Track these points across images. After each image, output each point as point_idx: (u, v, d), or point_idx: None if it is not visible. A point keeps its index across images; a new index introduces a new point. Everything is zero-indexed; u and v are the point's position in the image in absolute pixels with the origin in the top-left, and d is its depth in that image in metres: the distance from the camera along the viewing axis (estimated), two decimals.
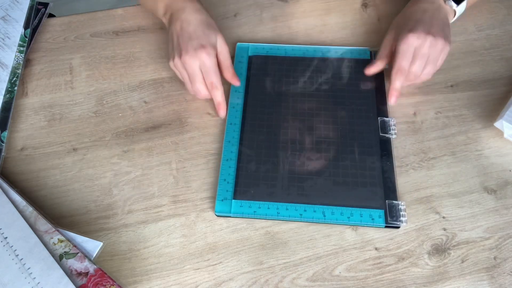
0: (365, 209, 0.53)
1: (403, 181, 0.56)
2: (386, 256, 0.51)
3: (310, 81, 0.62)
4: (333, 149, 0.57)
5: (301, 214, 0.53)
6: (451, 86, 0.62)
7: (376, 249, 0.52)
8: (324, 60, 0.64)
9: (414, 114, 0.60)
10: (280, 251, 0.52)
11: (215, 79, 0.57)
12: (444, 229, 0.53)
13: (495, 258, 0.51)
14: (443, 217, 0.53)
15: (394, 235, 0.53)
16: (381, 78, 0.62)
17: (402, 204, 0.53)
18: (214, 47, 0.57)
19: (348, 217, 0.52)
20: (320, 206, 0.53)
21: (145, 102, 0.62)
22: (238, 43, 0.65)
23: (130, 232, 0.54)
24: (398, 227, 0.52)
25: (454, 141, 0.58)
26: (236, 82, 0.60)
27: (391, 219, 0.52)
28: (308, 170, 0.55)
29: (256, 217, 0.53)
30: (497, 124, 0.57)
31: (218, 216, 0.54)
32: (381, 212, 0.52)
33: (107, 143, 0.59)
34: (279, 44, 0.65)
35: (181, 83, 0.63)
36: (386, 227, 0.52)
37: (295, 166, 0.56)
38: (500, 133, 0.58)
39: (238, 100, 0.61)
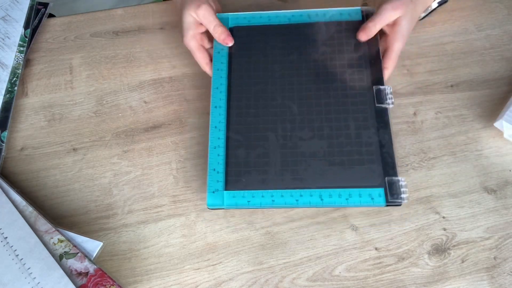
0: (364, 189, 0.50)
1: None
2: (386, 256, 0.51)
3: (297, 51, 0.57)
4: (327, 126, 0.53)
5: (297, 200, 0.50)
6: (451, 86, 0.62)
7: (376, 249, 0.52)
8: (311, 25, 0.59)
9: (414, 114, 0.60)
10: (280, 251, 0.52)
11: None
12: (444, 229, 0.53)
13: (495, 258, 0.51)
14: (443, 217, 0.53)
15: (394, 235, 0.53)
16: (375, 42, 0.57)
17: (402, 180, 0.50)
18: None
19: (347, 199, 0.49)
20: (317, 190, 0.50)
21: (145, 102, 0.62)
22: (217, 14, 0.60)
23: (130, 232, 0.54)
24: (399, 205, 0.50)
25: (454, 141, 0.58)
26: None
27: (392, 197, 0.49)
28: (301, 152, 0.52)
29: (250, 207, 0.51)
30: (497, 124, 0.57)
31: (210, 209, 0.52)
32: (380, 190, 0.50)
33: (107, 143, 0.59)
34: (262, 12, 0.61)
35: (182, 82, 0.63)
36: (387, 205, 0.50)
37: (287, 148, 0.52)
38: (500, 133, 0.58)
39: (221, 79, 0.57)
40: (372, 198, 0.50)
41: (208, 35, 0.60)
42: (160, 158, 0.58)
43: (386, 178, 0.50)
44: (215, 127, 0.54)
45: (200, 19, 0.58)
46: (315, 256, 0.52)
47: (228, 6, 0.70)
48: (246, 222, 0.54)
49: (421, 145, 0.58)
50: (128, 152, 0.59)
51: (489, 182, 0.55)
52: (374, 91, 0.54)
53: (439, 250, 0.52)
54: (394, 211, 0.54)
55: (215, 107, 0.55)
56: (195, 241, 0.53)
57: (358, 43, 0.57)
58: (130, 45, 0.67)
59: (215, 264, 0.52)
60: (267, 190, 0.51)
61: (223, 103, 0.55)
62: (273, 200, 0.50)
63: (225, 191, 0.51)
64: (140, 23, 0.69)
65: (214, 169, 0.52)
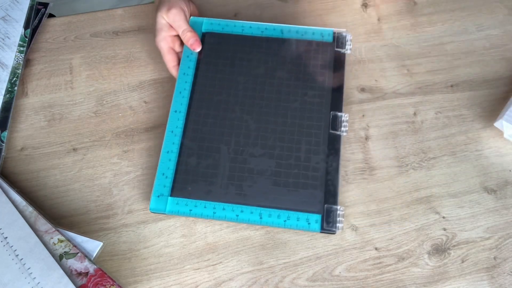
0: (303, 213, 0.51)
1: (403, 181, 0.56)
2: (386, 256, 0.52)
3: (264, 66, 0.58)
4: (279, 146, 0.53)
5: (237, 215, 0.51)
6: (451, 86, 0.62)
7: (376, 249, 0.52)
8: (282, 41, 0.59)
9: (414, 114, 0.60)
10: (280, 251, 0.52)
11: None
12: (444, 229, 0.53)
13: (495, 258, 0.51)
14: (443, 217, 0.53)
15: (394, 235, 0.53)
16: (341, 66, 0.58)
17: (340, 210, 0.51)
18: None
19: (285, 221, 0.50)
20: (258, 207, 0.51)
21: (145, 102, 0.62)
22: (192, 17, 0.61)
23: (130, 232, 0.54)
24: (333, 233, 0.51)
25: (454, 141, 0.58)
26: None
27: (327, 225, 0.50)
28: (249, 168, 0.53)
29: (191, 216, 0.52)
30: (497, 124, 0.57)
31: (152, 212, 0.53)
32: (318, 217, 0.50)
33: (107, 143, 0.59)
34: (236, 21, 0.61)
35: None
36: (321, 232, 0.50)
37: (236, 163, 0.53)
38: (500, 133, 0.58)
39: (186, 84, 0.57)
40: (309, 223, 0.50)
41: (180, 38, 0.60)
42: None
43: (325, 205, 0.51)
44: (172, 131, 0.55)
45: (171, 22, 0.59)
46: (315, 256, 0.52)
47: (229, 6, 0.70)
48: None
49: (421, 145, 0.58)
50: (128, 152, 0.59)
51: (489, 182, 0.55)
52: (331, 116, 0.55)
53: (439, 250, 0.52)
54: (394, 210, 0.54)
55: (175, 111, 0.56)
56: (195, 241, 0.53)
57: (325, 66, 0.58)
58: (130, 45, 0.67)
59: (215, 264, 0.52)
60: (210, 202, 0.52)
61: (183, 108, 0.56)
62: (214, 212, 0.51)
63: (169, 197, 0.52)
64: (140, 23, 0.69)
65: (163, 174, 0.53)
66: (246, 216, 0.51)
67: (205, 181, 0.52)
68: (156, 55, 0.66)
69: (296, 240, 0.53)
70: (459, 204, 0.54)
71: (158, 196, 0.52)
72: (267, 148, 0.54)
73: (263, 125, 0.55)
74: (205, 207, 0.51)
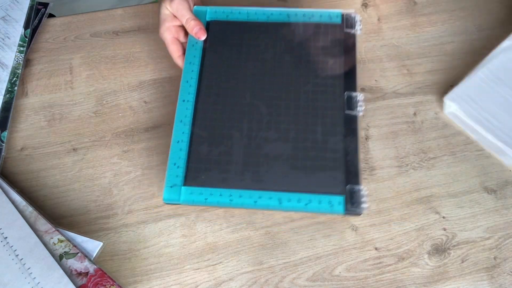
0: (324, 195, 0.48)
1: (403, 181, 0.56)
2: (386, 256, 0.52)
3: (273, 51, 0.56)
4: (293, 129, 0.52)
5: (255, 201, 0.49)
6: (451, 86, 0.62)
7: (376, 249, 0.52)
8: (289, 25, 0.58)
9: (414, 114, 0.60)
10: (280, 251, 0.52)
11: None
12: (444, 229, 0.53)
13: (495, 258, 0.51)
14: (443, 217, 0.53)
15: (394, 235, 0.53)
16: (352, 46, 0.56)
17: (364, 190, 0.49)
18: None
19: (306, 204, 0.48)
20: (277, 192, 0.49)
21: (145, 102, 0.62)
22: (195, 6, 0.60)
23: (130, 232, 0.54)
24: (359, 214, 0.49)
25: (454, 141, 0.58)
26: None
27: (352, 205, 0.48)
28: (265, 153, 0.51)
29: (207, 205, 0.51)
30: (444, 98, 0.58)
31: (167, 204, 0.51)
32: (341, 198, 0.48)
33: (107, 143, 0.59)
34: (241, 7, 0.59)
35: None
36: (346, 214, 0.48)
37: (250, 148, 0.51)
38: None
39: (192, 73, 0.56)
40: (332, 206, 0.48)
41: (184, 28, 0.59)
42: (160, 158, 0.58)
43: (348, 186, 0.49)
44: (181, 121, 0.53)
45: (174, 12, 0.58)
46: (315, 256, 0.52)
47: (228, 5, 0.70)
48: (246, 222, 0.54)
49: (421, 145, 0.58)
50: (128, 152, 0.59)
51: (489, 182, 0.55)
52: (345, 97, 0.54)
53: (439, 250, 0.52)
54: (394, 210, 0.54)
55: (183, 100, 0.54)
56: (195, 241, 0.53)
57: (335, 47, 0.56)
58: (130, 45, 0.67)
59: (215, 264, 0.52)
60: (226, 189, 0.50)
61: (191, 97, 0.55)
62: (231, 200, 0.49)
63: (183, 187, 0.50)
64: (140, 23, 0.69)
65: (175, 164, 0.51)
66: (265, 201, 0.49)
67: (219, 168, 0.51)
68: (156, 55, 0.66)
69: (296, 240, 0.53)
70: (459, 204, 0.54)
71: (171, 187, 0.50)
72: (281, 132, 0.52)
73: (275, 109, 0.53)
74: (220, 195, 0.49)
